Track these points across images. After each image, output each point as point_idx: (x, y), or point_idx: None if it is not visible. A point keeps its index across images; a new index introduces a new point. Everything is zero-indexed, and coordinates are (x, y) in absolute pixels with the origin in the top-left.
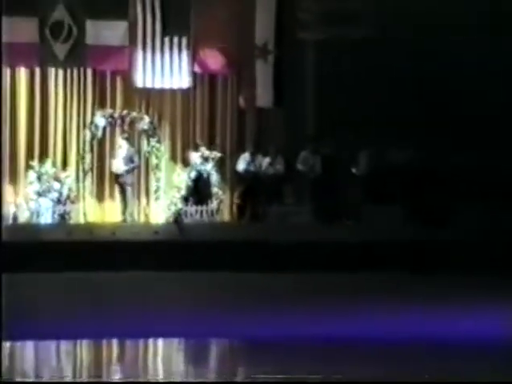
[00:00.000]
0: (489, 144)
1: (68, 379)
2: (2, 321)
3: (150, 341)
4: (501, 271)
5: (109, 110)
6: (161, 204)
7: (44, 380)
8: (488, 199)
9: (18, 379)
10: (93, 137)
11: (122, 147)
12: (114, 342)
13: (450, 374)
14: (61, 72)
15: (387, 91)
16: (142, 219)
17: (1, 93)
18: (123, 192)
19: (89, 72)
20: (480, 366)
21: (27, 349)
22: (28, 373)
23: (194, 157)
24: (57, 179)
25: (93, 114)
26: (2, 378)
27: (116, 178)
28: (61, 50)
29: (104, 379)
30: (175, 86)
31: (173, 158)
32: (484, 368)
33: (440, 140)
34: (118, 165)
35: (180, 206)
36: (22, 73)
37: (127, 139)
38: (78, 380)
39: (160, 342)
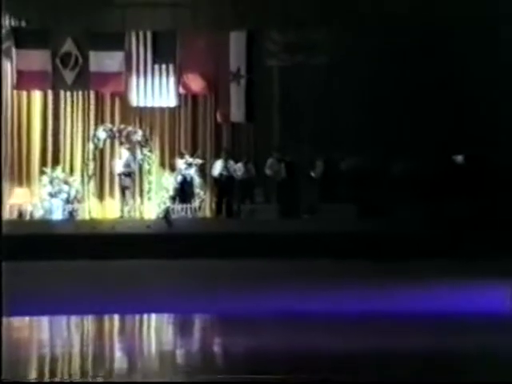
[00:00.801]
0: (423, 149)
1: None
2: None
3: (144, 316)
4: (435, 257)
5: (108, 125)
6: (152, 203)
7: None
8: (423, 196)
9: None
10: (95, 147)
11: (123, 155)
12: (114, 318)
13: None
14: (69, 94)
15: (340, 109)
16: (137, 215)
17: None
18: (123, 193)
19: (92, 94)
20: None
21: (37, 322)
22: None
23: (180, 163)
24: (66, 182)
25: (95, 129)
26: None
27: (117, 180)
28: (69, 76)
29: (104, 347)
30: (163, 105)
31: (162, 164)
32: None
33: (382, 148)
34: (119, 169)
35: (168, 204)
36: (37, 95)
37: (129, 149)
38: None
39: (152, 317)
